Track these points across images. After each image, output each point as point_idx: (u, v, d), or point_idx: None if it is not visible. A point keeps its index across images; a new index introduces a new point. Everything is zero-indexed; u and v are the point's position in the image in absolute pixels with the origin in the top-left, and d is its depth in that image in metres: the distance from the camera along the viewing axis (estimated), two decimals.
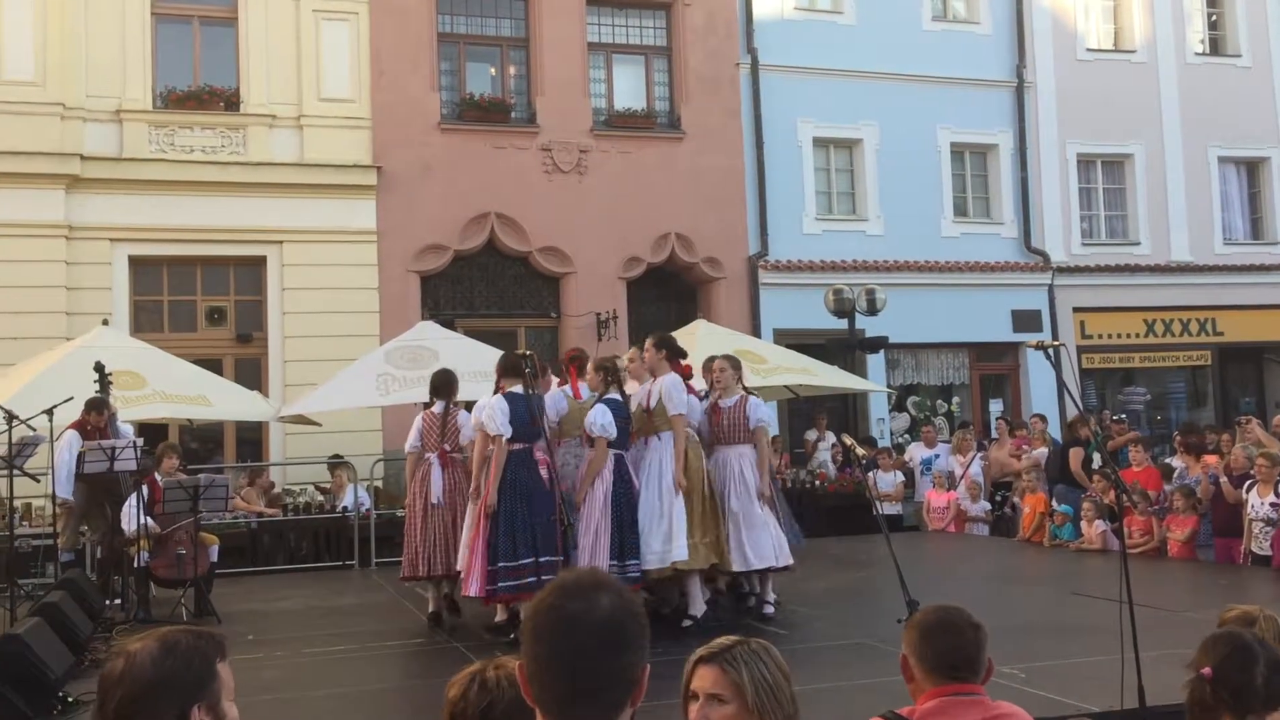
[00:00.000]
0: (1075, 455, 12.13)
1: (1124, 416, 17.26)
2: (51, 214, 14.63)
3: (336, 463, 13.90)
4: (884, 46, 18.60)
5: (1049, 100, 19.78)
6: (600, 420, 7.62)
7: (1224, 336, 20.47)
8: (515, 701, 2.09)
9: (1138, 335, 20.07)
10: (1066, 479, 12.33)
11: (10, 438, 8.25)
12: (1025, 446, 14.01)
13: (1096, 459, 11.61)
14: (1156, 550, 10.65)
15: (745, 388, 8.50)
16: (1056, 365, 6.25)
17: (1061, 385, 18.03)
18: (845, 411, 17.71)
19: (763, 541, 7.93)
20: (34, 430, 8.78)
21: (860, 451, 5.08)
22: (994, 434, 15.48)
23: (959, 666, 2.95)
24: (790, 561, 8.19)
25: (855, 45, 18.54)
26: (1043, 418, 15.17)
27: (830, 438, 16.55)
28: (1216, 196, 20.55)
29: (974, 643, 2.97)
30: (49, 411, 8.70)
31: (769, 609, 8.10)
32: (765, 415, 8.39)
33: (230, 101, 15.77)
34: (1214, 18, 21.28)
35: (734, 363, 8.43)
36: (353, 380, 12.80)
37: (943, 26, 19.43)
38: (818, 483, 15.20)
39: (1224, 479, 10.15)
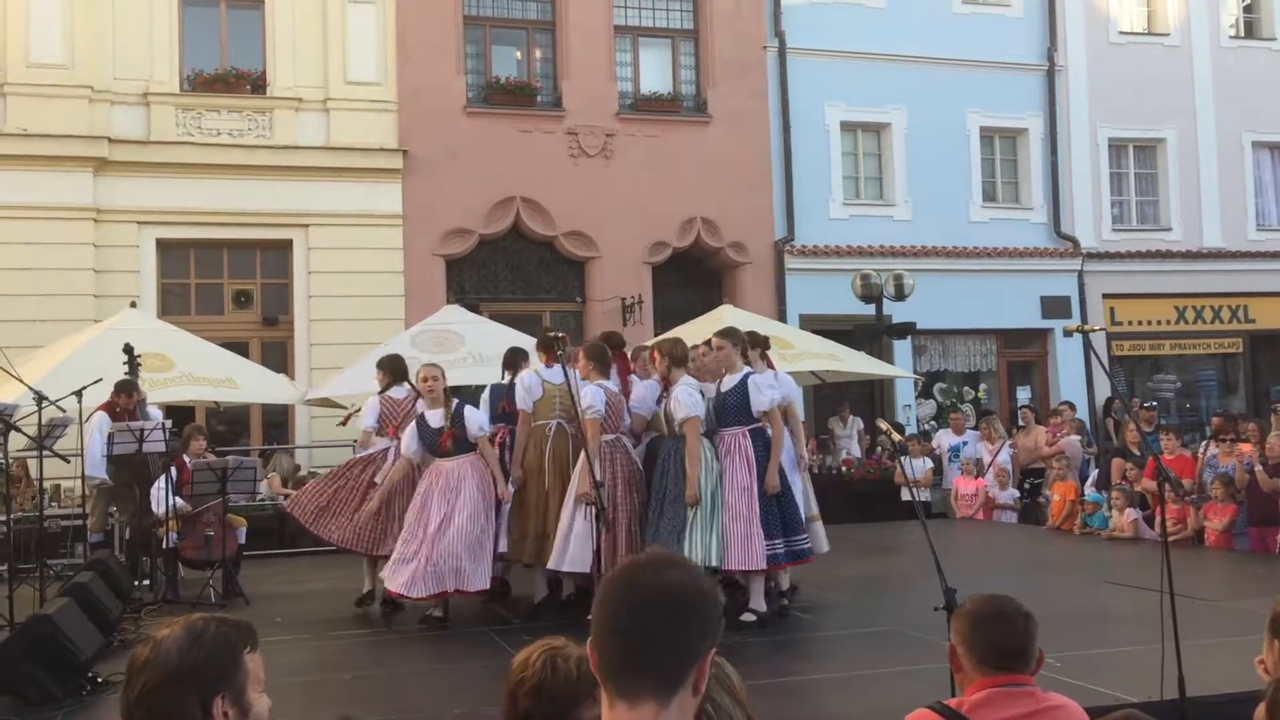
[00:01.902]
0: (1117, 466, 11.97)
1: (1154, 404, 17.08)
2: (80, 197, 14.69)
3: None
4: (913, 29, 18.43)
5: (1080, 84, 19.55)
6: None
7: (1256, 324, 20.24)
8: (579, 681, 2.10)
9: (1168, 322, 19.86)
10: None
11: (40, 419, 8.26)
12: (1058, 433, 13.87)
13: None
14: (1189, 539, 10.53)
15: (751, 364, 7.69)
16: (1091, 350, 6.16)
17: (1094, 369, 17.85)
18: (872, 398, 17.60)
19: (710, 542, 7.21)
20: (63, 411, 8.79)
21: (897, 436, 4.99)
22: (1020, 422, 15.34)
23: (1009, 657, 2.89)
24: (751, 566, 7.23)
25: (884, 28, 18.37)
26: (1071, 405, 15.01)
27: (856, 423, 16.46)
28: (1250, 182, 20.30)
29: (1025, 633, 2.92)
30: (78, 393, 8.71)
31: (748, 615, 7.30)
32: (774, 396, 7.49)
33: (257, 85, 15.77)
34: (1248, 1, 20.98)
35: (734, 337, 7.66)
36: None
37: (973, 9, 19.22)
38: (844, 469, 15.12)
39: (1259, 468, 10.02)
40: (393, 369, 8.79)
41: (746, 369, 7.56)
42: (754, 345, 7.88)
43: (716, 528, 7.21)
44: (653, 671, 1.67)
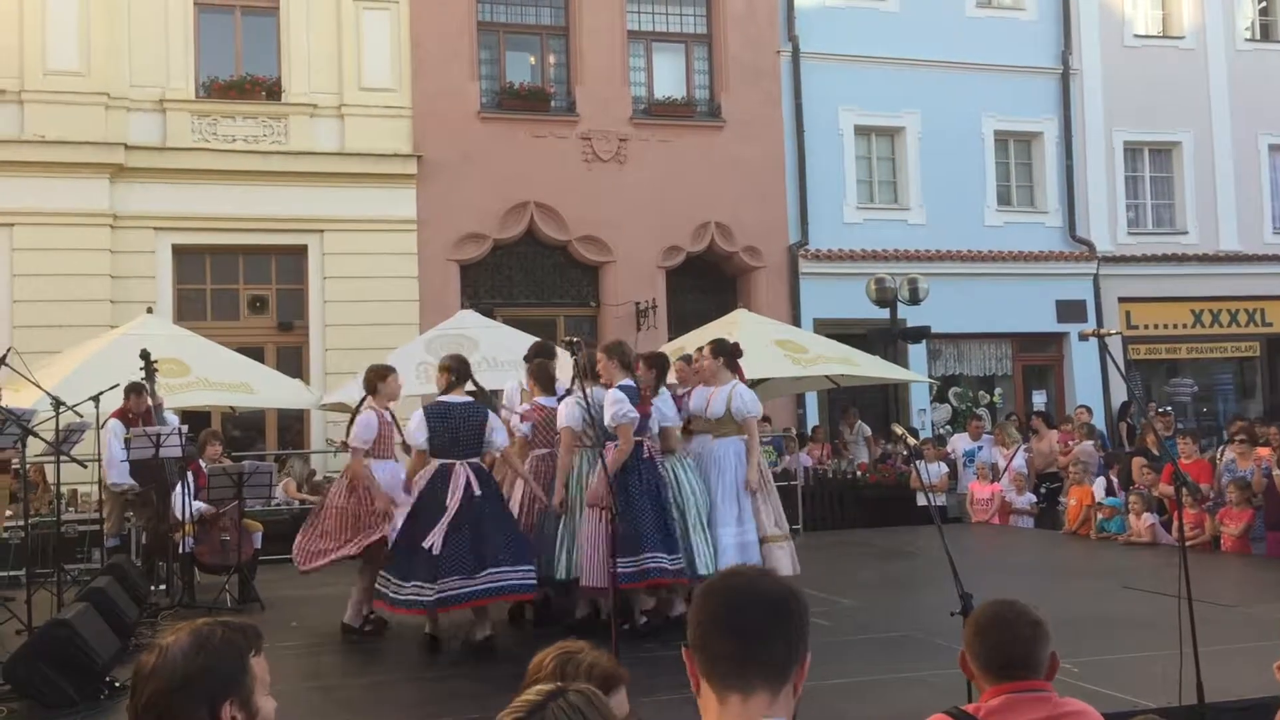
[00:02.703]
0: (1137, 465, 11.91)
1: (1169, 409, 16.99)
2: (96, 203, 14.76)
3: None
4: (927, 33, 18.40)
5: (1095, 87, 19.50)
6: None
7: (1273, 327, 20.15)
8: (595, 665, 2.19)
9: (1185, 326, 19.77)
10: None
11: (57, 424, 8.30)
12: (1071, 441, 13.78)
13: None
14: (1207, 544, 10.46)
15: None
16: (1107, 354, 6.14)
17: (1110, 373, 17.77)
18: (886, 402, 17.54)
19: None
20: (80, 417, 8.83)
21: (912, 441, 4.98)
22: (1033, 427, 15.25)
23: (1012, 664, 2.86)
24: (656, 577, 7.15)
25: (898, 32, 18.35)
26: (1087, 409, 14.94)
27: (862, 429, 16.42)
28: (1266, 185, 20.21)
29: (1029, 639, 2.87)
30: (95, 398, 8.76)
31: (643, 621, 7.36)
32: (667, 409, 7.70)
33: (272, 91, 15.84)
34: (1264, 3, 20.91)
35: (718, 349, 8.00)
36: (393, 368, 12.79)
37: (987, 13, 19.20)
38: (858, 474, 15.08)
39: (1277, 472, 9.96)
40: (459, 371, 7.53)
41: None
42: (717, 354, 7.94)
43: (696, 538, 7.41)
44: (766, 664, 1.80)
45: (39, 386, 8.55)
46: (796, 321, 16.87)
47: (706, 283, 17.76)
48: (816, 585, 8.86)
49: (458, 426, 7.07)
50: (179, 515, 9.08)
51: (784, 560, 7.71)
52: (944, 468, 14.49)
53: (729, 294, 17.57)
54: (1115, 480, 12.41)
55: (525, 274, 17.06)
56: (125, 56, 15.20)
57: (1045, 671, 2.90)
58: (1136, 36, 19.96)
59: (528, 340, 12.07)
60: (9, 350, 8.71)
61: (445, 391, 7.28)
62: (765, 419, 11.78)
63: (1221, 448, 11.83)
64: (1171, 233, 19.83)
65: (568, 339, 7.56)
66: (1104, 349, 6.01)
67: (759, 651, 1.80)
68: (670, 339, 14.94)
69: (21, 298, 14.39)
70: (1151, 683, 5.36)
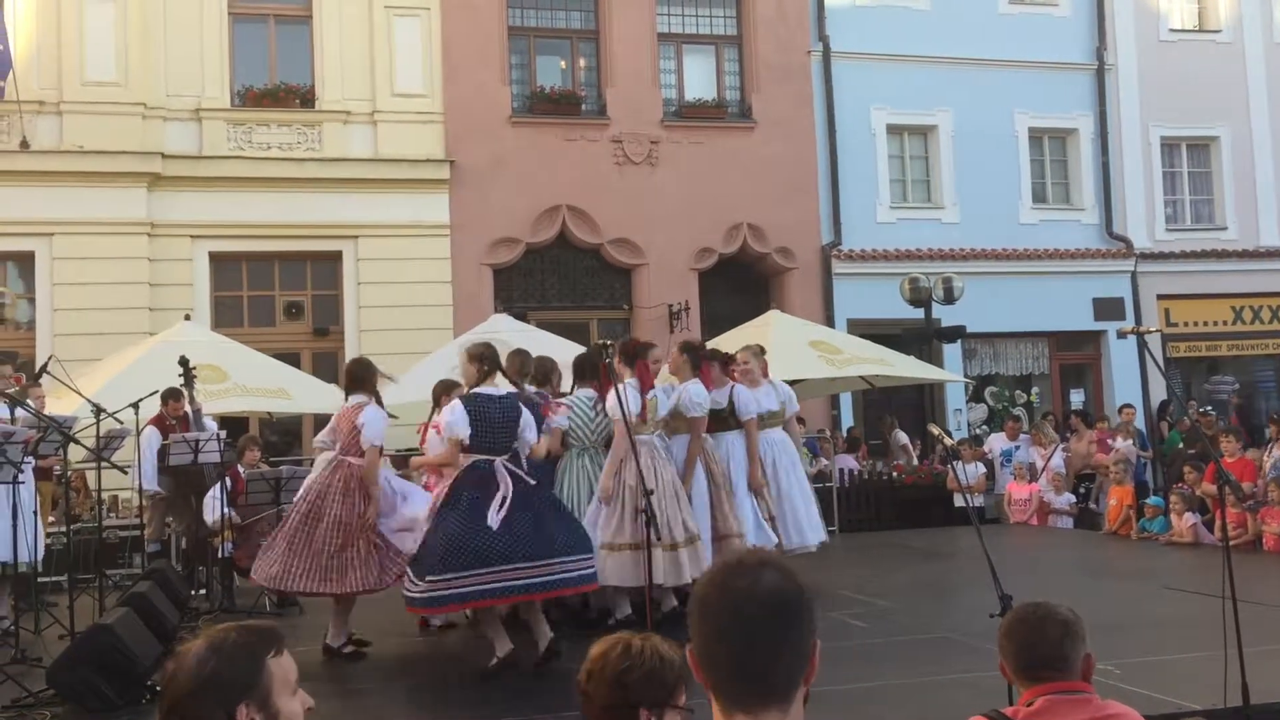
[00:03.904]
0: (1209, 469, 11.74)
1: (1211, 409, 16.78)
2: (134, 211, 14.93)
3: (410, 454, 13.97)
4: (959, 31, 18.28)
5: (1131, 83, 19.29)
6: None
7: None
8: (654, 673, 2.09)
9: (1225, 323, 19.52)
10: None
11: (98, 431, 8.40)
12: (1110, 441, 13.64)
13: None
14: (1250, 543, 10.32)
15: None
16: (1147, 351, 6.06)
17: (1149, 372, 17.56)
18: (921, 402, 17.44)
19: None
20: (121, 423, 8.93)
21: (949, 441, 4.94)
22: (1071, 427, 15.11)
23: (1042, 664, 2.83)
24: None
25: (929, 30, 18.24)
26: (1131, 408, 14.76)
27: (899, 437, 16.28)
28: None
29: (1056, 640, 2.83)
30: (135, 405, 8.84)
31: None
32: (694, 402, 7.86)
33: (305, 98, 15.96)
34: None
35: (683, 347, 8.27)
36: (428, 373, 12.84)
37: (1019, 9, 19.04)
38: (894, 474, 15.00)
39: None
40: (491, 359, 6.88)
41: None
42: (681, 352, 8.14)
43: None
44: (773, 679, 1.67)
45: (80, 394, 8.66)
46: (830, 322, 16.80)
47: (739, 284, 17.72)
48: (854, 588, 8.83)
49: (496, 420, 6.57)
50: (210, 520, 9.16)
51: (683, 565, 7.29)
52: (981, 468, 14.39)
53: (762, 295, 17.52)
54: (1162, 479, 12.25)
55: (558, 277, 17.09)
56: (161, 67, 15.38)
57: (1079, 672, 2.85)
58: (1172, 31, 19.73)
59: (561, 344, 12.14)
60: (50, 358, 8.85)
61: (480, 382, 6.73)
62: (800, 420, 11.69)
63: (1269, 446, 11.66)
64: (1211, 228, 19.59)
65: (600, 342, 7.51)
66: (1144, 346, 5.94)
67: (767, 671, 1.67)
68: (704, 341, 14.91)
69: (62, 306, 14.58)
70: (1196, 684, 5.30)
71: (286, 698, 1.95)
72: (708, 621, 1.70)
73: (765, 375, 8.96)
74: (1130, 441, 13.31)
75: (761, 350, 9.15)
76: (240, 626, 2.00)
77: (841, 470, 14.64)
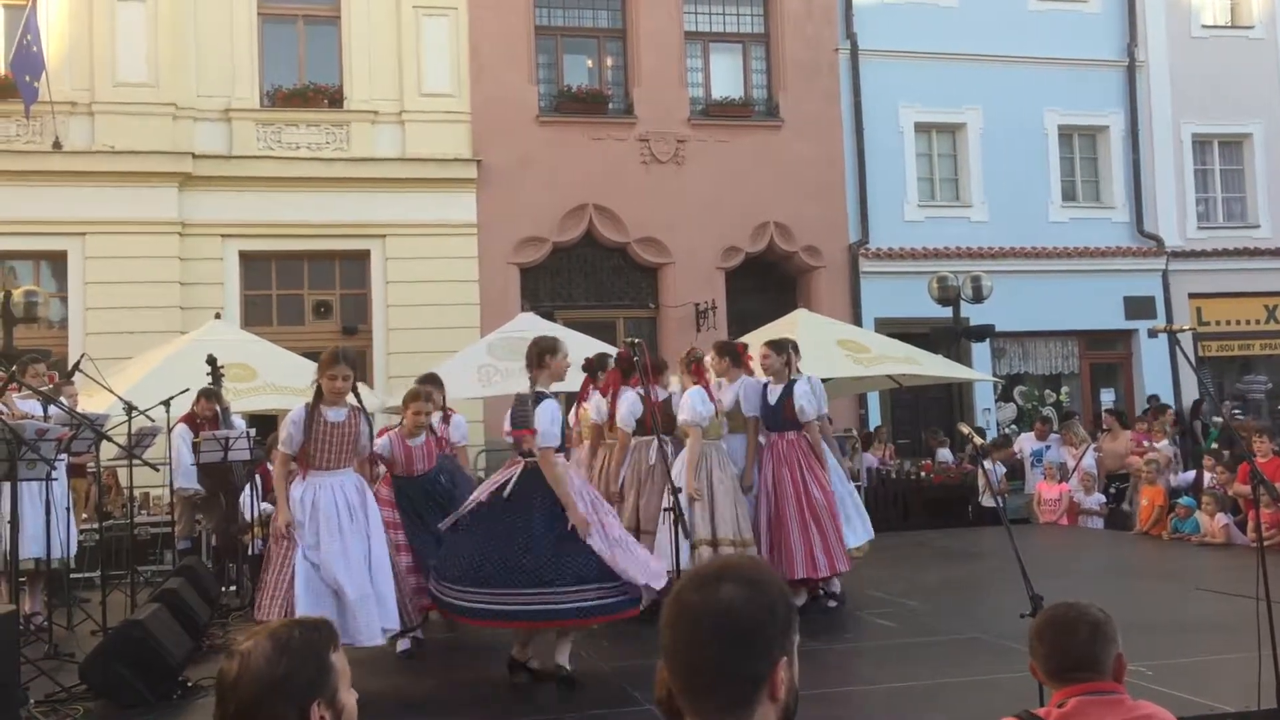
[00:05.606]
0: (1243, 469, 11.62)
1: (1242, 408, 16.61)
2: (166, 211, 15.06)
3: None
4: (987, 28, 18.18)
5: (1162, 80, 19.12)
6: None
7: None
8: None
9: (1258, 321, 19.32)
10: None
11: (130, 428, 8.48)
12: (1146, 441, 13.50)
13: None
14: None
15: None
16: (1179, 350, 6.01)
17: (1181, 371, 17.38)
18: (950, 402, 17.35)
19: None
20: (152, 421, 9.00)
21: (979, 440, 4.90)
22: (1104, 426, 14.96)
23: (1072, 665, 2.81)
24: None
25: (957, 27, 18.14)
26: (1169, 408, 14.59)
27: (944, 455, 16.00)
28: None
29: (1087, 640, 2.81)
30: (166, 403, 8.92)
31: None
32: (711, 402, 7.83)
33: (334, 99, 16.05)
34: None
35: (777, 347, 8.33)
36: (455, 372, 12.86)
37: (1049, 6, 18.90)
38: (922, 474, 14.91)
39: None
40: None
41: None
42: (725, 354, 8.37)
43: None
44: (721, 699, 1.60)
45: (112, 392, 8.73)
46: (858, 321, 16.73)
47: (766, 283, 17.69)
48: (882, 588, 8.80)
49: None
50: (247, 517, 9.22)
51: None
52: (1002, 468, 14.27)
53: (789, 294, 17.49)
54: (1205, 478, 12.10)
55: (585, 276, 17.11)
56: (192, 68, 15.50)
57: (1111, 673, 2.83)
58: (1204, 27, 19.55)
59: (588, 342, 12.13)
60: (82, 356, 8.92)
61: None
62: (828, 419, 11.63)
63: None
64: (1243, 226, 19.40)
65: (629, 340, 7.49)
66: (1176, 345, 5.89)
67: (715, 687, 1.60)
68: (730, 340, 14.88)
69: (94, 305, 14.72)
70: (1229, 686, 5.24)
71: (346, 692, 1.92)
72: (662, 634, 1.65)
73: (791, 370, 8.57)
74: (1166, 442, 13.16)
75: (791, 345, 8.75)
76: (299, 622, 1.96)
77: (869, 470, 14.58)
